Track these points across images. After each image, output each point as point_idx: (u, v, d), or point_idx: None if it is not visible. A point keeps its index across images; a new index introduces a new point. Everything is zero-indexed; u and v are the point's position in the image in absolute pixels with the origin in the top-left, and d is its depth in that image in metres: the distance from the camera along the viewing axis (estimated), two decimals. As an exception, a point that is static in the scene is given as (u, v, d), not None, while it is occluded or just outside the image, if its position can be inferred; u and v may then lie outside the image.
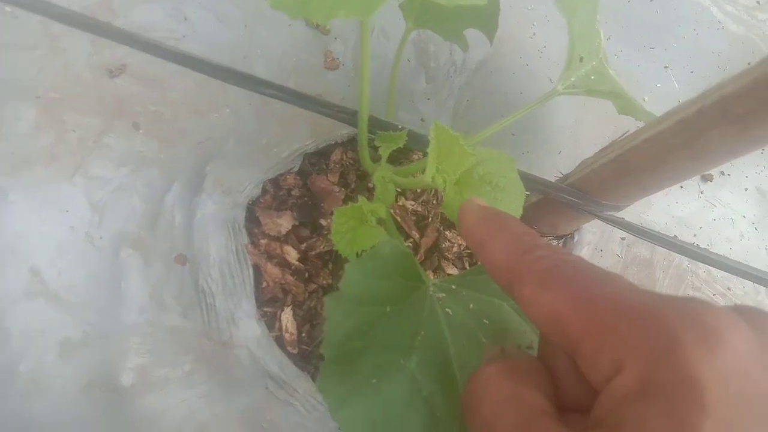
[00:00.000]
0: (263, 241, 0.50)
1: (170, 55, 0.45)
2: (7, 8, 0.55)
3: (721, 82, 0.35)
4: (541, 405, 0.19)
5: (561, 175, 0.52)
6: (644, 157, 0.42)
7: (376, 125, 0.47)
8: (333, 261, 0.52)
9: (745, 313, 0.18)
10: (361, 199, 0.42)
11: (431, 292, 0.34)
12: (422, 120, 0.59)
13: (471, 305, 0.35)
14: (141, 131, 0.53)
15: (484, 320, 0.34)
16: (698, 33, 0.74)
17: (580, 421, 0.19)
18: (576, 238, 0.59)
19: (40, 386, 0.51)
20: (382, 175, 0.46)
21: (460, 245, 0.54)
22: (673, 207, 0.64)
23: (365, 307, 0.31)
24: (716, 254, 0.52)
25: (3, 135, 0.53)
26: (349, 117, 0.47)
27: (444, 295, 0.35)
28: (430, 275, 0.53)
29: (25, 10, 0.44)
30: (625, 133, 0.45)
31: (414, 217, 0.54)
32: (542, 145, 0.62)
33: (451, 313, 0.34)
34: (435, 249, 0.53)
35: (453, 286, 0.35)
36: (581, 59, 0.48)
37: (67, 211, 0.52)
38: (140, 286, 0.51)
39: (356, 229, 0.43)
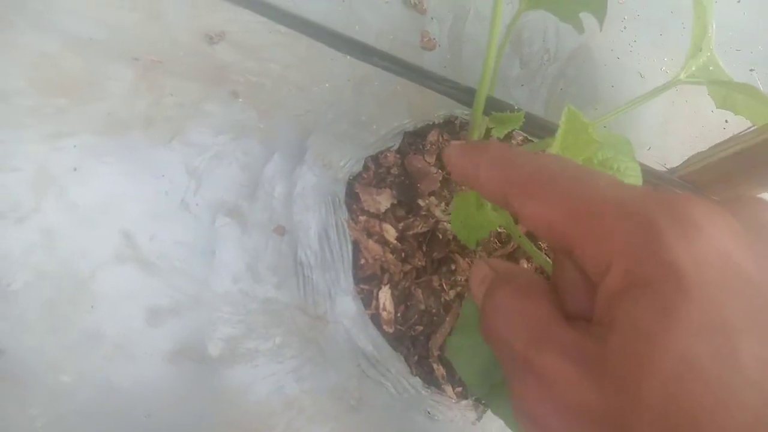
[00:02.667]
0: (362, 218, 0.49)
1: (272, 13, 0.44)
2: (109, -32, 0.54)
3: None
4: (548, 313, 0.20)
5: (665, 169, 0.51)
6: (756, 162, 0.41)
7: (493, 106, 0.46)
8: (426, 243, 0.51)
9: (735, 203, 0.19)
10: None
11: None
12: (515, 105, 0.58)
13: None
14: (240, 100, 0.52)
15: None
16: (783, 36, 0.73)
17: (586, 326, 0.20)
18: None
19: (124, 351, 0.50)
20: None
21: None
22: None
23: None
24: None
25: (100, 95, 0.52)
26: (462, 94, 0.46)
27: None
28: (524, 263, 0.52)
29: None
30: (750, 127, 0.44)
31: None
32: (632, 140, 0.61)
33: None
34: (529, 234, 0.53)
35: None
36: (700, 49, 0.47)
37: (162, 175, 0.51)
38: (236, 255, 0.50)
39: (473, 214, 0.42)
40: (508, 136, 0.54)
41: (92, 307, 0.50)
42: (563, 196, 0.20)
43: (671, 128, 0.63)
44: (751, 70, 0.70)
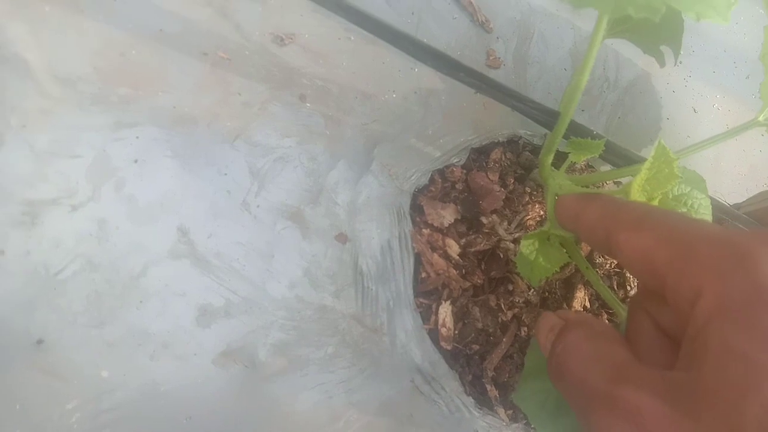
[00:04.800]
0: (426, 231, 0.49)
1: (345, 12, 0.43)
2: (182, -38, 0.54)
3: None
4: (626, 355, 0.21)
5: (728, 205, 0.51)
6: None
7: (571, 129, 0.46)
8: (486, 261, 0.51)
9: None
10: (548, 223, 0.41)
11: None
12: (595, 131, 0.59)
13: None
14: (308, 104, 0.52)
15: None
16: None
17: (665, 368, 0.20)
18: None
19: (170, 351, 0.49)
20: (559, 183, 0.45)
21: (611, 263, 0.53)
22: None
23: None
24: None
25: (166, 87, 0.51)
26: (543, 116, 0.46)
27: None
28: (581, 289, 0.52)
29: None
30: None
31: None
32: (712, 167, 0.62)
33: None
34: (589, 260, 0.52)
35: None
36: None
37: (225, 174, 0.50)
38: (295, 260, 0.49)
39: (540, 249, 0.42)
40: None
41: (141, 302, 0.49)
42: (665, 231, 0.21)
43: (721, 165, 0.63)
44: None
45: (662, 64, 0.49)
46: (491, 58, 0.57)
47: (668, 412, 0.17)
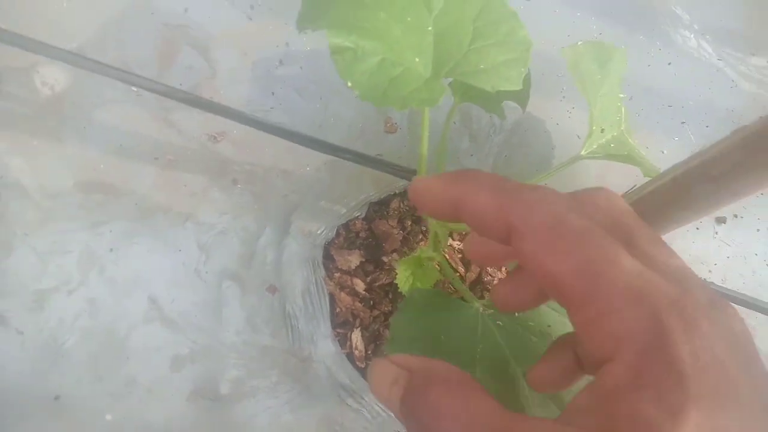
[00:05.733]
0: (337, 275, 0.61)
1: (261, 126, 0.57)
2: (134, 88, 0.69)
3: (701, 150, 0.45)
4: (493, 406, 0.20)
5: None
6: (649, 207, 0.52)
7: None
8: (392, 291, 0.63)
9: (711, 310, 0.19)
10: (420, 250, 0.53)
11: (481, 312, 0.43)
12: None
13: (516, 314, 0.44)
14: (239, 186, 0.66)
15: (530, 323, 0.43)
16: (713, 91, 0.84)
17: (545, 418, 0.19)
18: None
19: (154, 394, 0.62)
20: (437, 221, 0.57)
21: (499, 278, 0.64)
22: (689, 246, 0.73)
23: (419, 342, 0.38)
24: (730, 289, 0.61)
25: (129, 190, 0.66)
26: (407, 173, 0.58)
27: (493, 311, 0.43)
28: (475, 304, 0.63)
29: (147, 90, 0.56)
30: (634, 186, 0.55)
31: (460, 255, 0.65)
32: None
33: (501, 324, 0.42)
34: (478, 282, 0.64)
35: None
36: (602, 130, 0.59)
37: (180, 250, 0.64)
38: (238, 311, 0.62)
39: (416, 272, 0.53)
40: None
41: (128, 358, 0.63)
42: (582, 263, 0.19)
43: (607, 181, 0.74)
44: (682, 122, 0.80)
45: (502, 117, 0.61)
46: (388, 125, 0.70)
47: None
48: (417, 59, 0.43)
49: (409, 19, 0.43)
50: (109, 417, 0.62)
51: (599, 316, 0.19)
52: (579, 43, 0.56)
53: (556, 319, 0.42)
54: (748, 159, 0.39)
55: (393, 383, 0.22)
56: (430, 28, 0.44)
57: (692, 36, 0.85)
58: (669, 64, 0.84)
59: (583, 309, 0.19)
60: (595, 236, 0.20)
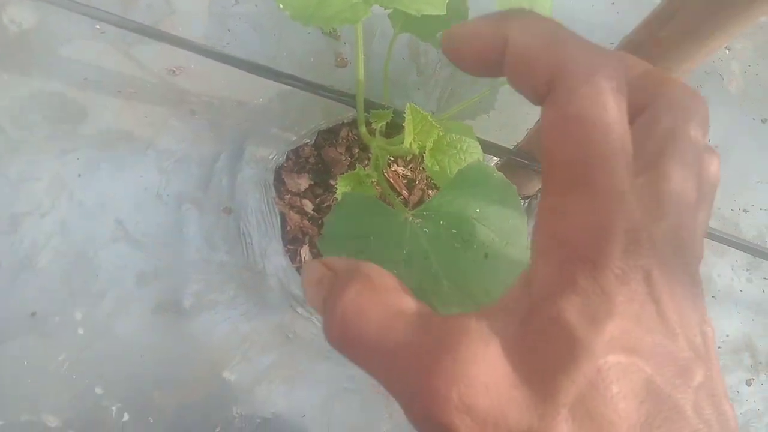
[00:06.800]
0: (287, 196, 0.67)
1: (218, 57, 0.61)
2: (97, 26, 0.73)
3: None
4: (418, 307, 0.20)
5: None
6: None
7: (371, 106, 0.62)
8: (341, 213, 0.68)
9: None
10: (359, 168, 0.58)
11: (410, 220, 0.48)
12: (386, 105, 0.75)
13: (441, 222, 0.48)
14: (196, 116, 0.70)
15: (453, 230, 0.47)
16: None
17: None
18: (539, 197, 0.74)
19: (121, 308, 0.68)
20: (377, 144, 0.62)
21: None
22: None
23: (350, 241, 0.43)
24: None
25: (94, 120, 0.70)
26: (351, 100, 0.63)
27: (420, 220, 0.48)
28: (416, 224, 0.68)
29: (111, 25, 0.60)
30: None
31: (404, 180, 0.70)
32: (511, 122, 0.77)
33: (428, 231, 0.47)
34: (420, 204, 0.69)
35: (425, 212, 0.46)
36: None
37: (141, 176, 0.69)
38: (197, 231, 0.68)
39: (355, 188, 0.58)
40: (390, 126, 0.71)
41: (96, 276, 0.68)
42: (550, 38, 0.18)
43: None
44: (612, 3, 0.85)
45: (437, 46, 0.65)
46: (339, 59, 0.74)
47: (508, 371, 0.17)
48: (342, -17, 0.47)
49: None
50: (81, 331, 0.68)
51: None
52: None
53: (482, 231, 0.46)
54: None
55: (318, 283, 0.22)
56: (354, -46, 0.48)
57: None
58: (613, 3, 0.88)
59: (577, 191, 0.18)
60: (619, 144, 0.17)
